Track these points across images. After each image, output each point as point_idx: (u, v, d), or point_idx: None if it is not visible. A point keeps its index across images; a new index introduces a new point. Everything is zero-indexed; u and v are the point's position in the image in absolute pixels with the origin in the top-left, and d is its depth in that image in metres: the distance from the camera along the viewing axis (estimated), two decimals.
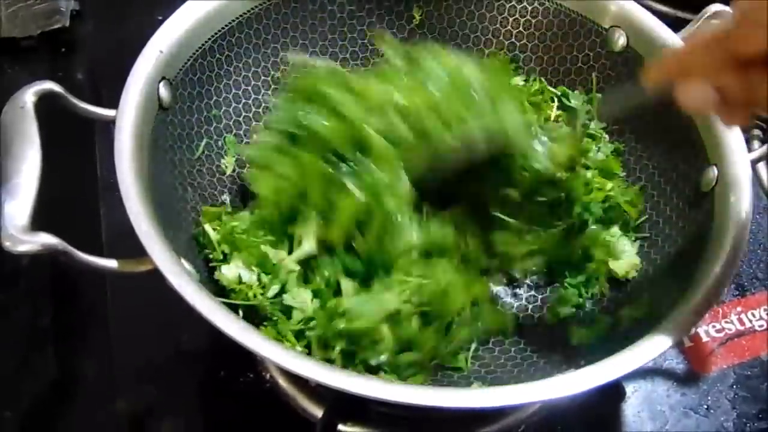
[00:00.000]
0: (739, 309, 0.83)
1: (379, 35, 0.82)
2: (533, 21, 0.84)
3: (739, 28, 0.49)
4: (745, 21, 0.49)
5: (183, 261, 0.60)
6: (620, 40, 0.79)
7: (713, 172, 0.69)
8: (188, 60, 0.72)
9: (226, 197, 0.76)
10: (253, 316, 0.66)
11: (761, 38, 0.48)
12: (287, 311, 0.66)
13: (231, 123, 0.79)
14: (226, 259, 0.68)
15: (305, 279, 0.68)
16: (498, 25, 0.85)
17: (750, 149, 0.71)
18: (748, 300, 0.83)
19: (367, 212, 0.65)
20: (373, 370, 0.64)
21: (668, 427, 0.74)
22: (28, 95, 0.64)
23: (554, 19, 0.83)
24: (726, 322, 0.81)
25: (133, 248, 0.58)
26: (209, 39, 0.74)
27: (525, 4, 0.84)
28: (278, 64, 0.82)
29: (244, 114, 0.80)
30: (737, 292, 0.84)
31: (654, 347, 0.57)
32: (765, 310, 0.83)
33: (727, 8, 0.77)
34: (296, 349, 0.63)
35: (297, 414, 0.72)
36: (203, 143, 0.75)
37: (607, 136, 0.81)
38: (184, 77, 0.72)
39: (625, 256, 0.75)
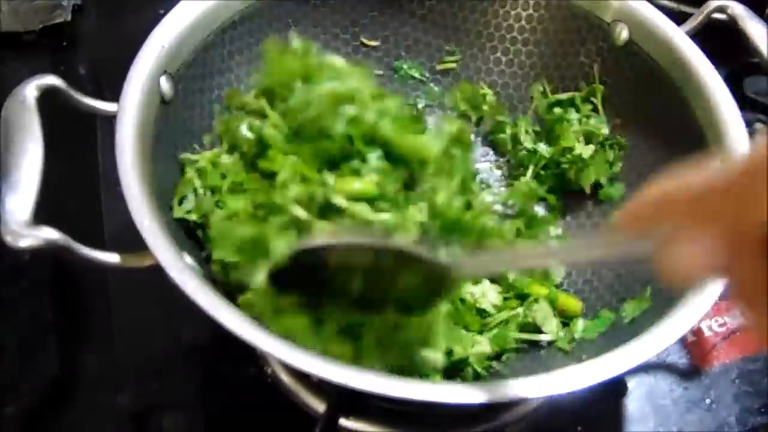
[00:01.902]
0: None
1: None
2: (535, 14, 0.84)
3: (748, 182, 0.34)
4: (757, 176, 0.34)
5: (185, 255, 0.60)
6: (623, 35, 0.79)
7: None
8: (190, 54, 0.72)
9: None
10: None
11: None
12: None
13: None
14: None
15: None
16: (500, 19, 0.85)
17: None
18: None
19: None
20: None
21: (671, 422, 0.74)
22: (30, 89, 0.64)
23: (556, 12, 0.83)
24: (729, 316, 0.81)
25: (134, 243, 0.58)
26: (211, 33, 0.74)
27: None
28: None
29: None
30: None
31: (657, 342, 0.57)
32: None
33: (729, 3, 0.77)
34: None
35: (299, 409, 0.72)
36: (205, 138, 0.75)
37: (607, 131, 0.81)
38: (185, 71, 0.72)
39: None
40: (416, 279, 0.56)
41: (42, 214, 0.57)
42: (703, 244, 0.37)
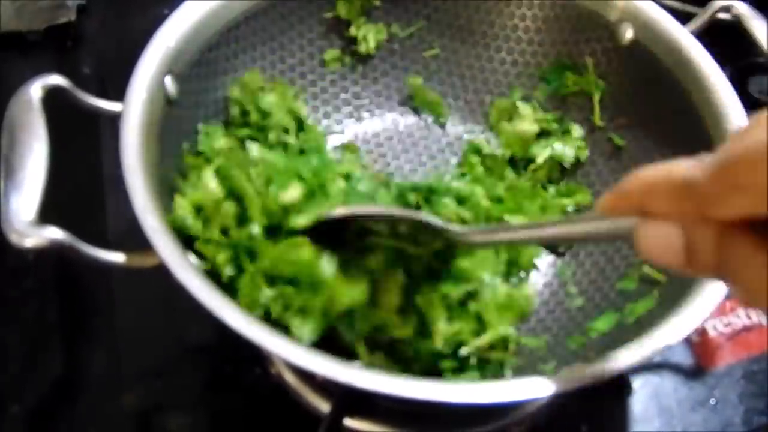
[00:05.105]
0: None
1: None
2: (540, 14, 0.84)
3: (713, 186, 0.37)
4: (722, 181, 0.37)
5: (189, 255, 0.60)
6: (628, 34, 0.79)
7: None
8: (195, 54, 0.72)
9: None
10: None
11: (739, 205, 0.36)
12: None
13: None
14: None
15: None
16: (504, 18, 0.85)
17: None
18: None
19: None
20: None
21: (675, 422, 0.74)
22: (35, 89, 0.64)
23: (561, 12, 0.83)
24: (734, 316, 0.81)
25: (139, 242, 0.58)
26: (216, 32, 0.74)
27: None
28: (284, 57, 0.82)
29: None
30: None
31: (661, 342, 0.57)
32: None
33: (733, 2, 0.77)
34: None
35: (304, 409, 0.72)
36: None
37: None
38: (190, 71, 0.72)
39: None
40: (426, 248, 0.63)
41: (46, 214, 0.57)
42: (668, 232, 0.41)
